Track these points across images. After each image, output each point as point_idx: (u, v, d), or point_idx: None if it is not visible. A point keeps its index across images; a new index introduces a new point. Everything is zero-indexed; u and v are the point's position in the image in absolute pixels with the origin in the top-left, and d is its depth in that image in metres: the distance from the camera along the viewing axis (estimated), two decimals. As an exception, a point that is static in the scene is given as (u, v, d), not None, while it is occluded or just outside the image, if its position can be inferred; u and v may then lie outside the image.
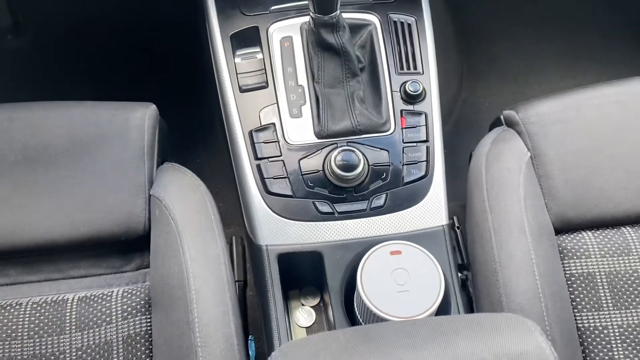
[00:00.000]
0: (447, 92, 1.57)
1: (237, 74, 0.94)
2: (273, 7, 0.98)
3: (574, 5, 1.71)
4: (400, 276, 0.77)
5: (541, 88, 1.62)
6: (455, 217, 1.15)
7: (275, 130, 0.91)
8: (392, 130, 0.91)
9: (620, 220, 0.88)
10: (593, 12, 1.70)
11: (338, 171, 0.86)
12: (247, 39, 0.96)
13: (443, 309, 0.81)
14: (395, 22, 0.97)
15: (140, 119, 0.91)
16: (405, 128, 0.91)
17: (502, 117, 1.00)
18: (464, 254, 1.09)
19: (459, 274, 0.93)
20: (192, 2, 1.14)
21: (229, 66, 0.95)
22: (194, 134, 1.53)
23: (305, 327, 0.91)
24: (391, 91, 0.93)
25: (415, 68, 0.95)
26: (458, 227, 1.15)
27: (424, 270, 0.78)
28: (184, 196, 0.86)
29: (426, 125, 0.92)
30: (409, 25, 0.97)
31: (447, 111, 1.56)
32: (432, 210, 0.89)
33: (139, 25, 1.51)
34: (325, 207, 0.87)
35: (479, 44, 1.68)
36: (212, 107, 1.04)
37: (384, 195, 0.89)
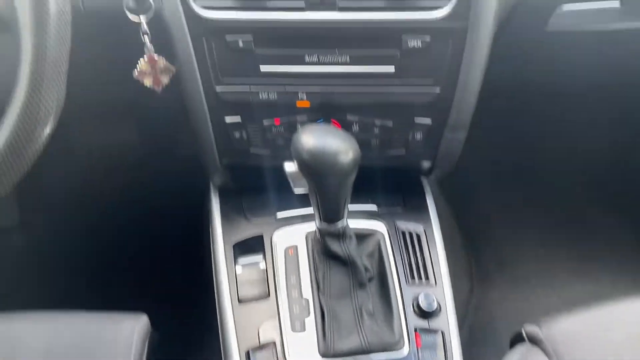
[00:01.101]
0: (458, 296, 1.50)
1: (237, 283, 0.89)
2: (279, 214, 0.97)
3: (577, 208, 1.73)
4: None
5: (556, 293, 1.55)
6: None
7: (275, 349, 0.82)
8: (406, 350, 0.82)
9: None
10: (597, 214, 1.72)
11: None
12: (250, 247, 0.93)
13: None
14: (403, 232, 0.94)
15: (129, 333, 0.84)
16: (421, 348, 0.82)
17: (523, 332, 0.91)
18: None
19: None
20: (197, 204, 1.14)
21: (230, 276, 0.90)
22: (192, 338, 1.42)
23: None
24: (403, 304, 0.87)
25: (427, 279, 0.90)
26: None
27: None
28: None
29: (444, 345, 0.83)
30: (418, 235, 0.95)
31: (461, 316, 1.47)
32: None
33: (142, 226, 1.51)
34: None
35: (487, 248, 1.66)
36: (214, 314, 0.97)
37: None
